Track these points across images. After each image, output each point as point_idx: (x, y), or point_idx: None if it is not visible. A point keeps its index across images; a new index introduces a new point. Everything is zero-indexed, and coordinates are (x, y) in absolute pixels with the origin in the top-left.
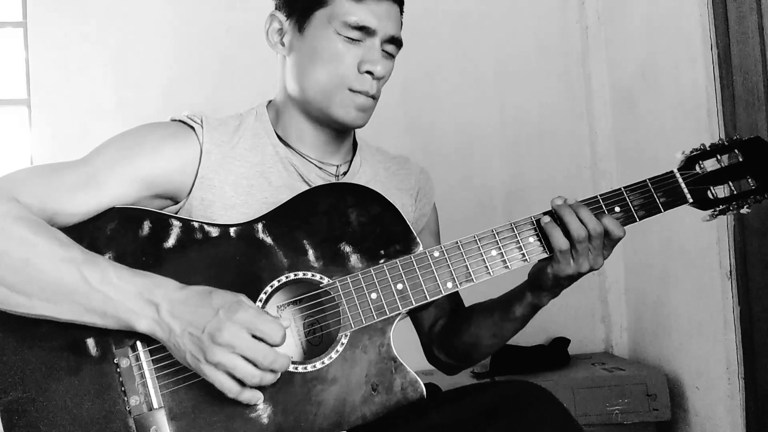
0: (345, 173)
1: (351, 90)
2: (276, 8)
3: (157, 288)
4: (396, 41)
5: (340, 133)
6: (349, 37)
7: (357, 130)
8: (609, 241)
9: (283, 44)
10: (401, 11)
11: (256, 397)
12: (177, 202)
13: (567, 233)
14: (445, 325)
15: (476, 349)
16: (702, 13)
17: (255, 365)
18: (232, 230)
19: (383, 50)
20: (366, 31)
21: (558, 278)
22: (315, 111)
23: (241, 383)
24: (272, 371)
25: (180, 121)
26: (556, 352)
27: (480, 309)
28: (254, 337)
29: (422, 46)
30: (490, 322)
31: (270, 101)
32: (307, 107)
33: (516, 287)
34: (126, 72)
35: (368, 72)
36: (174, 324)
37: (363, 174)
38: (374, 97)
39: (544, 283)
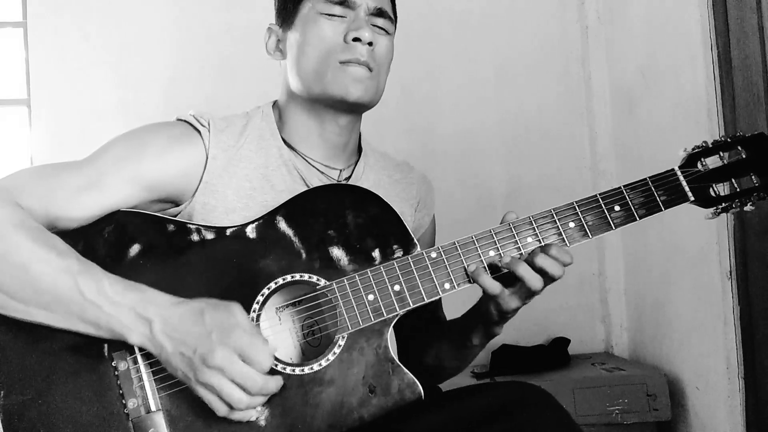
0: (348, 178)
1: (341, 62)
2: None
3: (150, 304)
4: (383, 13)
5: (345, 130)
6: (331, 14)
7: (363, 134)
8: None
9: (280, 50)
10: None
11: (246, 417)
12: (178, 205)
13: (522, 282)
14: (414, 343)
15: (442, 371)
16: (702, 13)
17: (244, 389)
18: (231, 232)
19: (373, 25)
20: (346, 4)
21: (504, 313)
22: (317, 97)
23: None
24: (261, 395)
25: (186, 121)
26: (556, 352)
27: (440, 334)
28: (245, 359)
29: (422, 46)
30: (448, 347)
31: (275, 102)
32: (310, 99)
33: (470, 313)
34: (126, 72)
35: (356, 39)
36: (166, 342)
37: (366, 181)
38: (368, 67)
39: (491, 318)
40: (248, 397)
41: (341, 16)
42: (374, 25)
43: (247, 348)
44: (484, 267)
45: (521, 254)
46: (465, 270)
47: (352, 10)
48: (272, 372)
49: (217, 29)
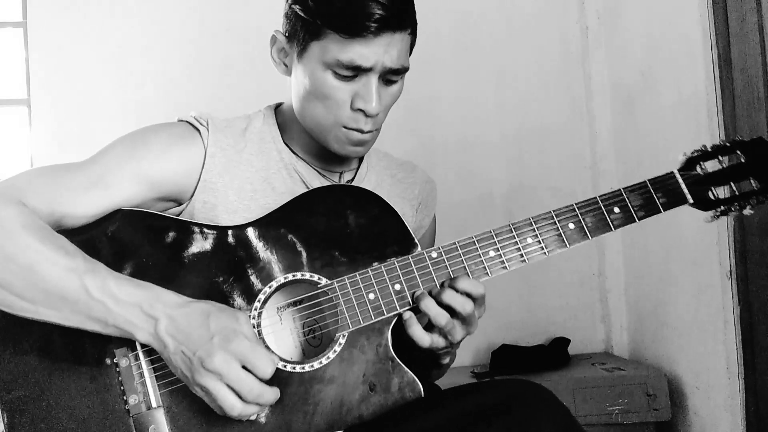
0: (350, 181)
1: (345, 127)
2: (282, 27)
3: (157, 302)
4: (396, 72)
5: None
6: (341, 75)
7: None
8: (476, 303)
9: (285, 65)
10: (412, 32)
11: (245, 416)
12: (180, 204)
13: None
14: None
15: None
16: (702, 13)
17: (239, 396)
18: (232, 232)
19: (385, 78)
20: (359, 69)
21: (433, 351)
22: (313, 136)
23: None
24: (255, 404)
25: (187, 122)
26: (556, 352)
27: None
28: (245, 368)
29: (422, 46)
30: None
31: (279, 104)
32: (305, 129)
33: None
34: (126, 72)
35: (361, 110)
36: (168, 341)
37: (368, 182)
38: (371, 131)
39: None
40: (242, 404)
41: (352, 76)
42: (387, 79)
43: (249, 354)
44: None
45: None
46: (465, 270)
47: (364, 73)
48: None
49: (217, 29)
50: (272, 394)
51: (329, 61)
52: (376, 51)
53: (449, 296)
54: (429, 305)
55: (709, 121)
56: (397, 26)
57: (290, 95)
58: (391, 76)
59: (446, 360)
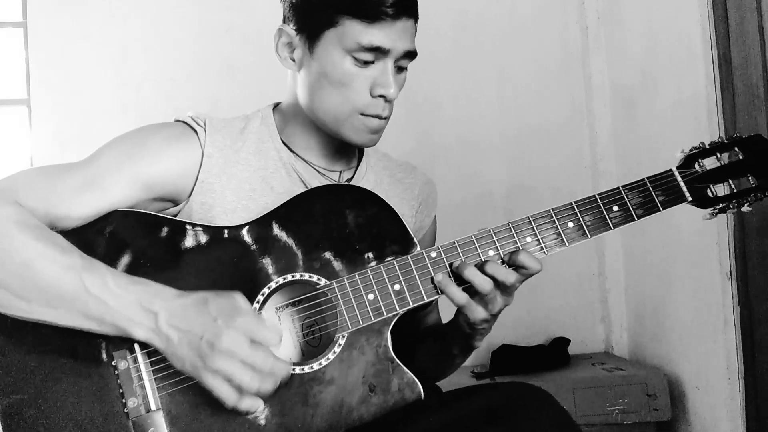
0: (349, 180)
1: (363, 114)
2: (284, 21)
3: (155, 297)
4: (410, 55)
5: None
6: (361, 60)
7: None
8: (524, 276)
9: (293, 59)
10: (416, 21)
11: (255, 405)
12: (177, 204)
13: (471, 288)
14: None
15: (426, 373)
16: (702, 13)
17: (254, 371)
18: (229, 233)
19: (397, 65)
20: (379, 51)
21: (473, 325)
22: (325, 129)
23: (240, 391)
24: (272, 378)
25: (184, 122)
26: (556, 352)
27: (423, 339)
28: (253, 342)
29: (422, 46)
30: (431, 353)
31: (276, 104)
32: (317, 123)
33: (450, 323)
34: (126, 72)
35: (381, 96)
36: (172, 333)
37: (367, 182)
38: (387, 117)
39: (463, 329)
40: (259, 379)
41: (370, 62)
42: (398, 66)
43: (254, 328)
44: (449, 274)
45: (500, 256)
46: None
47: (383, 57)
48: None
49: (217, 29)
50: (285, 365)
51: (349, 46)
52: (393, 36)
53: (492, 268)
54: (473, 273)
55: (709, 121)
56: (409, 12)
57: (294, 91)
58: (403, 61)
59: (480, 341)
